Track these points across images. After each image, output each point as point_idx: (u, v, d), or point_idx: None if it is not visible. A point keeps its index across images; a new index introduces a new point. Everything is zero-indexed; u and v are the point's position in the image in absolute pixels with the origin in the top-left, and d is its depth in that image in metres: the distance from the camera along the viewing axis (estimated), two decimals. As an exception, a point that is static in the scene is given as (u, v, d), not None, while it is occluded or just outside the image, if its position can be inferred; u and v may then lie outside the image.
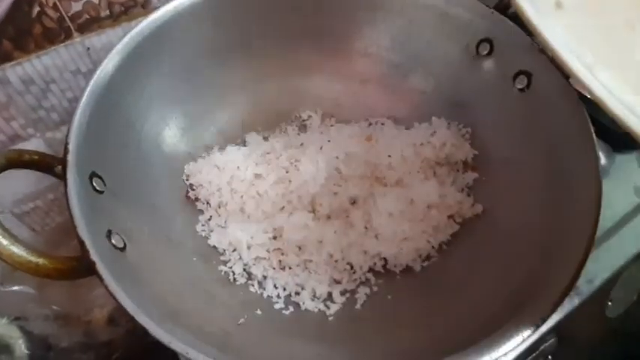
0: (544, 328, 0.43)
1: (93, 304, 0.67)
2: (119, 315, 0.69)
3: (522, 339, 0.29)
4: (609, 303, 0.56)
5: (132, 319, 0.70)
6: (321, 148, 0.48)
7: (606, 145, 0.55)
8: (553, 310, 0.30)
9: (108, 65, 0.39)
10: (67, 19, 0.44)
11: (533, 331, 0.29)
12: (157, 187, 0.44)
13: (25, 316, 0.63)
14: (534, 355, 0.46)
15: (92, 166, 0.36)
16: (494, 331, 0.29)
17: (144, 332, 0.80)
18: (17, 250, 0.28)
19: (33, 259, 0.29)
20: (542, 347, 0.45)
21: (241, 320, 0.36)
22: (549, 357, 0.49)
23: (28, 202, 0.58)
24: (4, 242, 0.28)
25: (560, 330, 0.45)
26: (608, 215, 0.51)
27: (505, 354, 0.29)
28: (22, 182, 0.55)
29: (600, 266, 0.48)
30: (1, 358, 0.62)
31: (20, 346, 0.62)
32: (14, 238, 0.28)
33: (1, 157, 0.32)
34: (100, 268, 0.29)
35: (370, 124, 0.52)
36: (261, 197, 0.46)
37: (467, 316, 0.35)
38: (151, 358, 0.71)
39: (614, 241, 0.50)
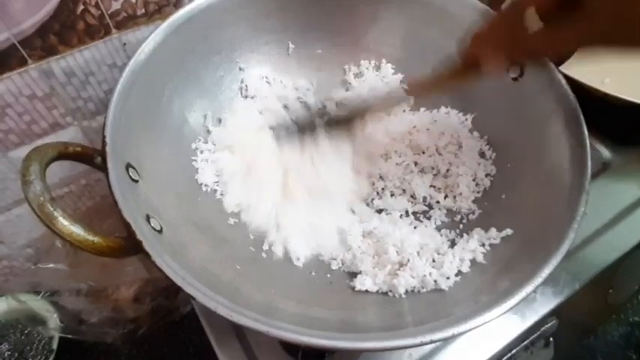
0: (545, 310, 0.46)
1: (120, 283, 0.71)
2: (144, 294, 0.73)
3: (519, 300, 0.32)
4: (610, 290, 0.58)
5: (161, 293, 0.73)
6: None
7: (611, 140, 0.58)
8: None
9: (136, 61, 0.42)
10: (107, 16, 0.48)
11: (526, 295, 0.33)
12: (180, 177, 0.47)
13: (58, 291, 0.67)
14: (535, 335, 0.48)
15: (126, 157, 0.39)
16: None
17: (167, 311, 0.83)
18: (76, 229, 0.31)
19: (90, 237, 0.32)
20: (543, 329, 0.48)
21: (272, 291, 0.40)
22: (550, 339, 0.51)
23: (63, 186, 0.62)
24: (65, 223, 0.31)
25: (561, 313, 0.48)
26: (611, 206, 0.54)
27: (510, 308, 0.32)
28: (57, 168, 0.59)
29: (601, 254, 0.50)
30: (37, 330, 0.66)
31: (55, 320, 0.66)
32: (73, 218, 0.31)
33: (53, 150, 0.35)
34: (147, 246, 0.32)
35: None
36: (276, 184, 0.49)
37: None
38: (172, 336, 0.75)
39: (616, 230, 0.52)
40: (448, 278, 0.40)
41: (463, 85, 0.47)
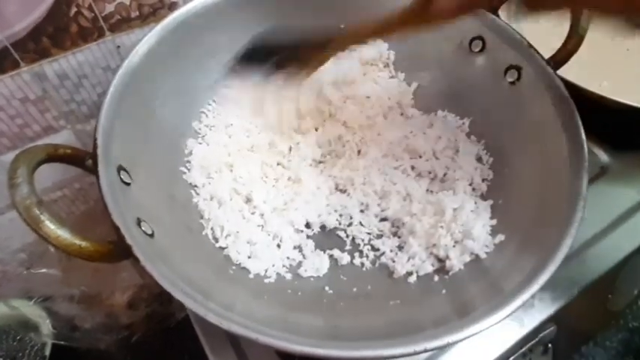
0: (543, 316, 0.46)
1: (114, 288, 0.70)
2: (138, 300, 0.72)
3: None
4: (610, 296, 0.58)
5: (156, 299, 0.72)
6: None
7: (609, 144, 0.57)
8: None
9: (130, 63, 0.42)
10: (100, 19, 0.47)
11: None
12: (173, 181, 0.46)
13: (51, 297, 0.66)
14: (534, 342, 0.47)
15: (118, 159, 0.38)
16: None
17: (162, 317, 0.83)
18: (63, 233, 0.31)
19: (77, 241, 0.31)
20: (541, 335, 0.47)
21: (265, 297, 0.39)
22: (549, 345, 0.50)
23: (57, 190, 0.61)
24: (52, 226, 0.30)
25: (560, 319, 0.47)
26: (609, 210, 0.53)
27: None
28: (50, 172, 0.58)
29: (600, 259, 0.50)
30: (30, 337, 0.65)
31: (47, 326, 0.65)
32: (60, 222, 0.31)
33: (42, 152, 0.34)
34: (136, 251, 0.32)
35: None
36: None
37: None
38: (167, 342, 0.75)
39: (615, 235, 0.52)
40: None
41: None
